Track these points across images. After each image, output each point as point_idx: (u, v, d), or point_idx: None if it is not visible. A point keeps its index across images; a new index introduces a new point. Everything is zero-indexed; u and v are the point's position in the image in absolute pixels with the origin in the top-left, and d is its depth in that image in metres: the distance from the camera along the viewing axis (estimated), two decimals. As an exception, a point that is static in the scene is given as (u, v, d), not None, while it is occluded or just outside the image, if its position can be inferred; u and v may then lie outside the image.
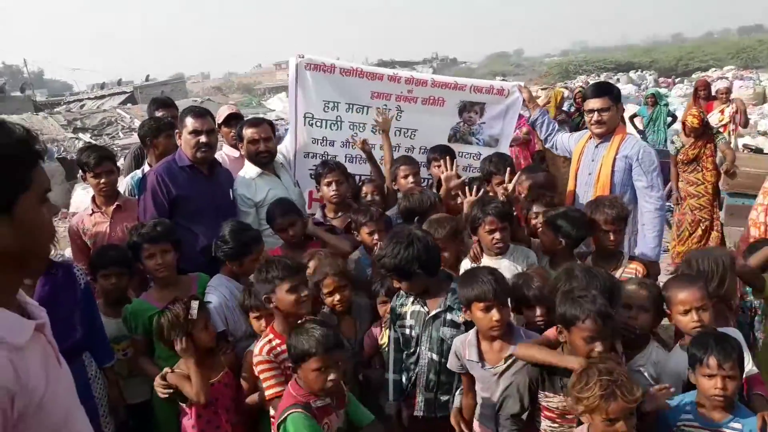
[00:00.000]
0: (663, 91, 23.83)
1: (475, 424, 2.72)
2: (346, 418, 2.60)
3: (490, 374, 2.57)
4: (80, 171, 4.02)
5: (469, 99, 4.73)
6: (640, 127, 10.29)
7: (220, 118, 4.73)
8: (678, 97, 19.90)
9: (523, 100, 4.78)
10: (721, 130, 7.86)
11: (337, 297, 3.09)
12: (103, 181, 3.82)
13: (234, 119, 4.65)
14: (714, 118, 8.40)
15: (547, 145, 4.81)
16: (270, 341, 2.72)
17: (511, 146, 6.81)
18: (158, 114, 4.41)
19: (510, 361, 2.55)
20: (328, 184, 3.99)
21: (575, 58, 62.50)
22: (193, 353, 2.74)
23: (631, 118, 10.90)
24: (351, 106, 4.59)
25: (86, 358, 2.90)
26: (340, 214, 3.99)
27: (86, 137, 19.58)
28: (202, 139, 3.69)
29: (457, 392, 2.79)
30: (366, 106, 4.59)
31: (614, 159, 4.00)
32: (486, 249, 3.33)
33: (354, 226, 3.70)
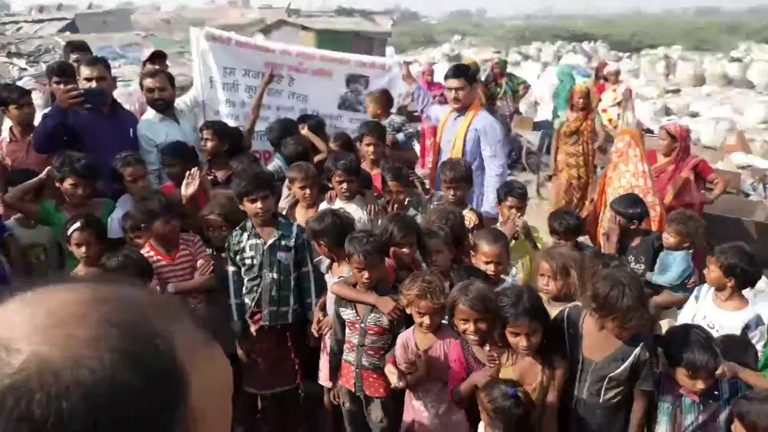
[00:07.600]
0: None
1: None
2: None
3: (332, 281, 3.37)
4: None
5: (354, 72, 5.45)
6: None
7: (145, 56, 5.66)
8: (626, 72, 18.00)
9: (403, 75, 5.49)
10: (600, 111, 8.60)
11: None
12: (26, 111, 4.36)
13: (158, 57, 5.40)
14: (608, 98, 9.22)
15: (423, 116, 5.57)
16: (147, 252, 3.51)
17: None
18: (73, 57, 4.88)
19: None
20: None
21: (534, 23, 63.06)
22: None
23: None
24: (247, 71, 5.25)
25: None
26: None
27: (21, 63, 19.10)
28: (93, 85, 4.23)
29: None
30: (261, 72, 5.24)
31: (466, 131, 4.77)
32: (338, 194, 4.09)
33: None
